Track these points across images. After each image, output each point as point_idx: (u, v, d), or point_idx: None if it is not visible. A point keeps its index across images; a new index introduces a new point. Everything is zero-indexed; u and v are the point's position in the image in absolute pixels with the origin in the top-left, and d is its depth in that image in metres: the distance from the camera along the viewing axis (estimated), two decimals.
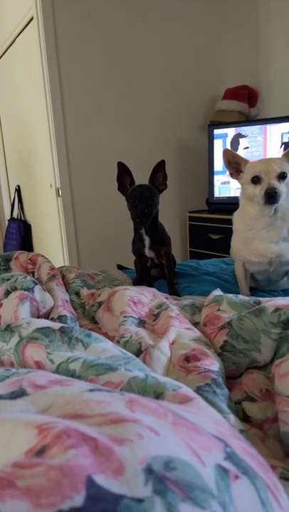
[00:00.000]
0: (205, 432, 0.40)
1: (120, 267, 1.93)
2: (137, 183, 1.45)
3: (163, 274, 1.59)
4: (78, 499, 0.27)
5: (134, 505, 0.28)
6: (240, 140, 2.93)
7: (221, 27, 3.29)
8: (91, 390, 0.45)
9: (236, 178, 1.33)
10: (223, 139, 3.00)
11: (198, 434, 0.39)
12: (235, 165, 1.32)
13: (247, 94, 3.13)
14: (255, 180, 1.23)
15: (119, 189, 1.47)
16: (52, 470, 0.29)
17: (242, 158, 1.31)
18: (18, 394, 0.47)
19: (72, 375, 0.58)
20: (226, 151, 1.32)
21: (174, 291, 1.48)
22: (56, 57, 2.65)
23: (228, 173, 1.36)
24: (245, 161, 1.30)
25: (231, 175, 1.34)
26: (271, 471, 0.40)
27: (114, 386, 0.54)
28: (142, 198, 1.39)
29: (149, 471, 0.31)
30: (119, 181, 1.46)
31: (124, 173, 1.45)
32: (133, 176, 1.45)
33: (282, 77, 3.05)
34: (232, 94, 3.13)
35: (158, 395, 0.52)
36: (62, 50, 2.66)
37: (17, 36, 3.10)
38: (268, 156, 2.81)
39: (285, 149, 2.72)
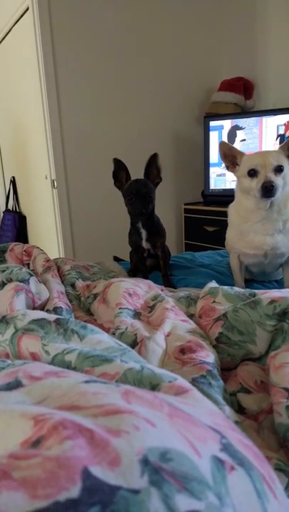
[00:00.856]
0: (201, 423, 0.40)
1: (116, 259, 1.93)
2: (133, 174, 1.44)
3: (158, 265, 1.59)
4: (74, 490, 0.27)
5: (130, 496, 0.28)
6: (238, 132, 2.92)
7: (218, 19, 3.27)
8: (87, 382, 0.45)
9: (232, 171, 1.33)
10: (218, 131, 2.99)
11: (194, 425, 0.39)
12: (231, 158, 1.31)
13: (243, 86, 3.12)
14: (252, 173, 1.22)
15: (115, 184, 1.46)
16: (48, 461, 0.29)
17: (238, 150, 1.31)
18: (14, 385, 0.47)
19: (67, 366, 0.58)
20: (222, 144, 1.32)
21: (169, 283, 1.48)
22: (52, 48, 2.63)
23: (223, 165, 1.35)
24: (242, 154, 1.30)
25: (227, 167, 1.34)
26: (266, 462, 0.40)
27: (110, 377, 0.54)
28: (138, 195, 1.38)
29: (145, 462, 0.31)
30: (116, 177, 1.45)
31: (120, 169, 1.43)
32: (129, 168, 1.44)
33: (278, 69, 3.03)
34: (228, 85, 3.11)
35: (154, 387, 0.52)
36: (58, 41, 2.64)
37: (12, 26, 3.06)
38: (263, 149, 2.81)
39: (280, 142, 2.71)
